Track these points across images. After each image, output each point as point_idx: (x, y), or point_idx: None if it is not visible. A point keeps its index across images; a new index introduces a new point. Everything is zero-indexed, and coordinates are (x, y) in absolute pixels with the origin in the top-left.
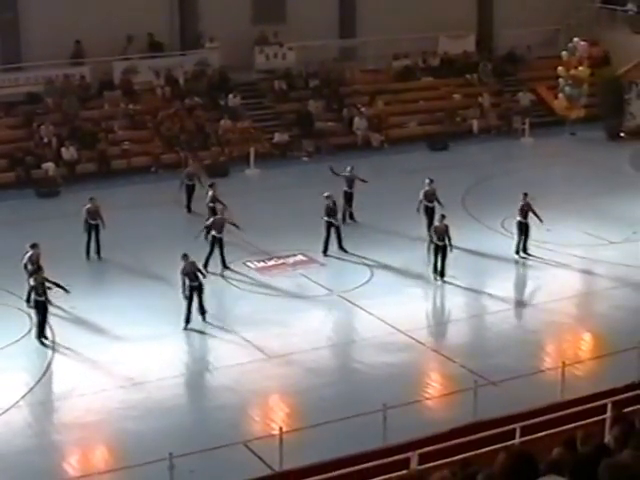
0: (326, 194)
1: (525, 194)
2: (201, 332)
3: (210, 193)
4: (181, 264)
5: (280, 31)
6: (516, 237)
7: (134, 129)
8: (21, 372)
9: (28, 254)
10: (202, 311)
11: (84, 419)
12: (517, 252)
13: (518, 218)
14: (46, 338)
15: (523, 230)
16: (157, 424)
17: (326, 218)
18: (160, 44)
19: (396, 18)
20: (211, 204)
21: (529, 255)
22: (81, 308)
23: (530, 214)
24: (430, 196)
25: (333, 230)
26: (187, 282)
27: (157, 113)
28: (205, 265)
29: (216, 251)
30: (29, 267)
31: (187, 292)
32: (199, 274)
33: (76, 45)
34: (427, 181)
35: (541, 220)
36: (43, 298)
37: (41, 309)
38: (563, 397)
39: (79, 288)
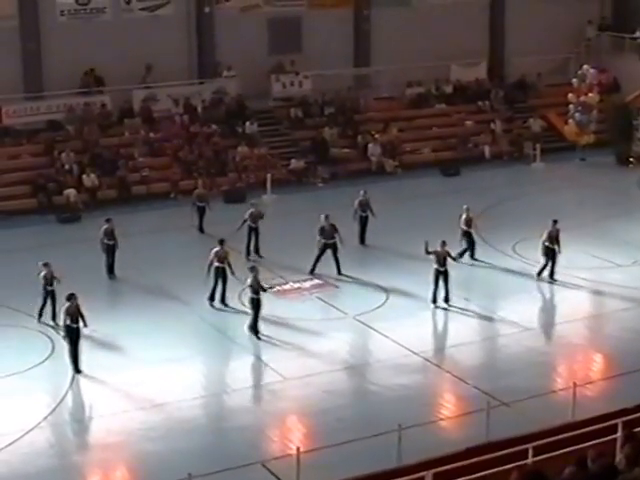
0: (324, 215)
1: (555, 221)
2: (218, 354)
3: (249, 211)
4: (250, 276)
5: (296, 60)
6: (543, 261)
7: (153, 156)
8: (43, 394)
9: (42, 273)
10: (252, 328)
11: (105, 440)
12: (539, 274)
13: (546, 243)
14: (79, 372)
15: (550, 255)
16: (177, 445)
17: (318, 237)
18: (101, 78)
19: (409, 47)
20: (252, 224)
21: (554, 280)
22: (102, 331)
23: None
24: (364, 205)
25: (329, 251)
26: (250, 294)
27: (176, 140)
28: (211, 298)
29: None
30: (47, 287)
31: (249, 304)
32: (261, 290)
33: (84, 76)
34: (362, 192)
35: (560, 251)
36: (76, 325)
37: (73, 337)
38: (574, 417)
39: (100, 311)
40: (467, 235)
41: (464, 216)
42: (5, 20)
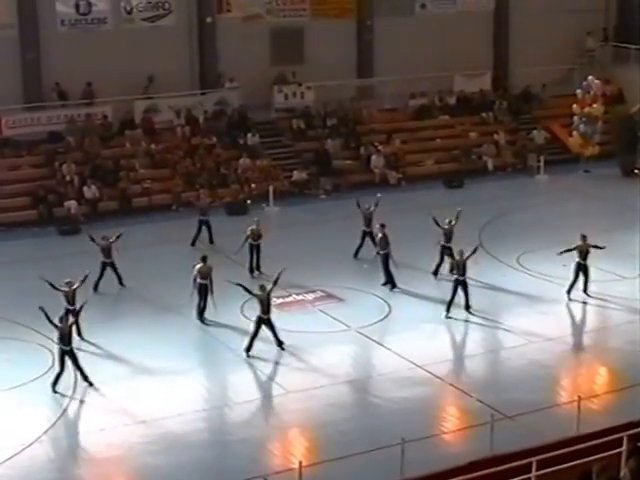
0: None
1: (584, 236)
2: (220, 367)
3: (250, 228)
4: (258, 293)
5: (298, 71)
6: (572, 278)
7: (155, 168)
8: (43, 407)
9: (64, 291)
10: (279, 343)
11: (105, 454)
12: (569, 292)
13: (577, 259)
14: (89, 383)
15: (582, 272)
16: (177, 459)
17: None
18: (65, 92)
19: (412, 58)
20: (253, 242)
21: (589, 296)
22: (102, 343)
23: (589, 255)
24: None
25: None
26: (258, 312)
27: (177, 152)
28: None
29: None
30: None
31: (255, 322)
32: (271, 307)
33: (87, 87)
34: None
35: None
36: (69, 348)
37: (71, 358)
38: (579, 431)
39: (100, 324)
40: (446, 249)
41: (446, 228)
42: (5, 30)
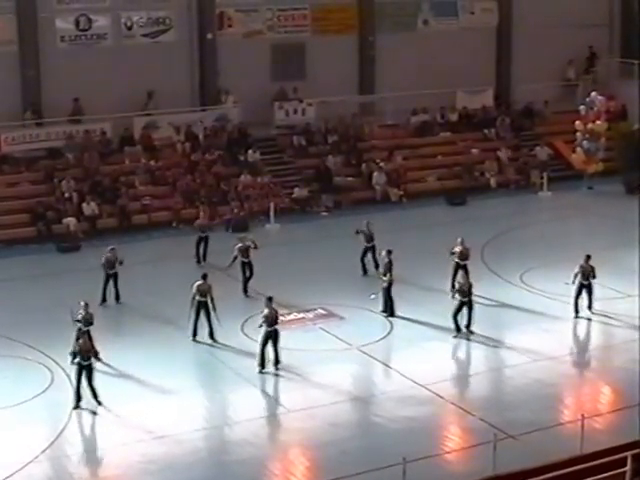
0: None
1: (588, 256)
2: (220, 386)
3: (238, 246)
4: (265, 310)
5: (299, 87)
6: (574, 297)
7: (154, 184)
8: (41, 426)
9: (80, 315)
10: (276, 360)
11: (104, 473)
12: (576, 312)
13: (579, 279)
14: (99, 403)
15: (585, 291)
16: (177, 478)
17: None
18: (41, 112)
19: (414, 74)
20: (244, 259)
21: (593, 313)
22: (101, 361)
23: (591, 275)
24: (367, 236)
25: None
26: (265, 327)
27: (177, 168)
28: (194, 334)
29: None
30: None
31: (262, 338)
32: (277, 321)
33: (74, 103)
34: (365, 222)
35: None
36: (88, 362)
37: (87, 373)
38: (583, 450)
39: (99, 342)
40: (462, 268)
41: (458, 249)
42: (4, 46)
